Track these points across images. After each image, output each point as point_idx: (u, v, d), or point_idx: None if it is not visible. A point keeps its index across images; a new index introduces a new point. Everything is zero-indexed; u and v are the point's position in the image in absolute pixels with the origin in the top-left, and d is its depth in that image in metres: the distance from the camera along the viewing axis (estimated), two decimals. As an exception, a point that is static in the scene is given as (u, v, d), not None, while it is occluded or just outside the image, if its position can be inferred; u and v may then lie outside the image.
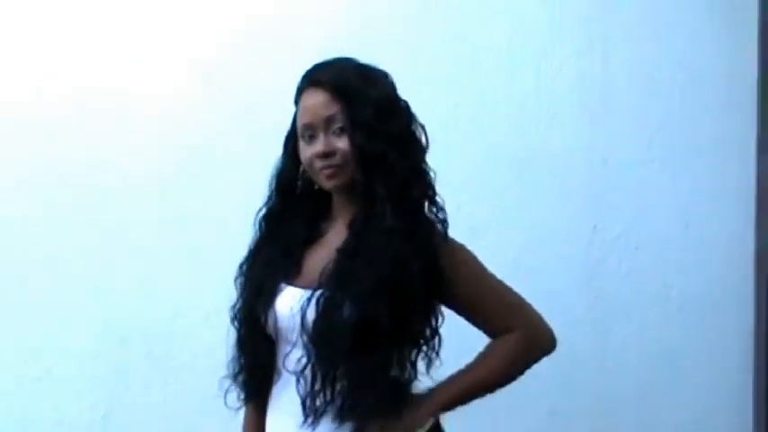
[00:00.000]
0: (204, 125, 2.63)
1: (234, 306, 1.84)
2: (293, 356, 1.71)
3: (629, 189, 2.98)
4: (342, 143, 1.69)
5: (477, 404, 2.70)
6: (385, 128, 1.68)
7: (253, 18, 2.67)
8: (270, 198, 1.84)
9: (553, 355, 2.86)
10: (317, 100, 1.70)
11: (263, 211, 1.84)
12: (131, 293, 2.60)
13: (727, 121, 3.09)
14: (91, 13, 2.59)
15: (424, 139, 1.78)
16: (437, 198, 1.76)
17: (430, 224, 1.73)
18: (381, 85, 1.73)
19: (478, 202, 2.81)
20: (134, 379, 2.62)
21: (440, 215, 1.75)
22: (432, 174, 1.76)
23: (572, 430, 2.95)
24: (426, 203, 1.74)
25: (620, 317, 2.98)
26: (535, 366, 2.87)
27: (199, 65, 2.63)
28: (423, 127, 1.78)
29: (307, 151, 1.73)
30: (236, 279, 1.86)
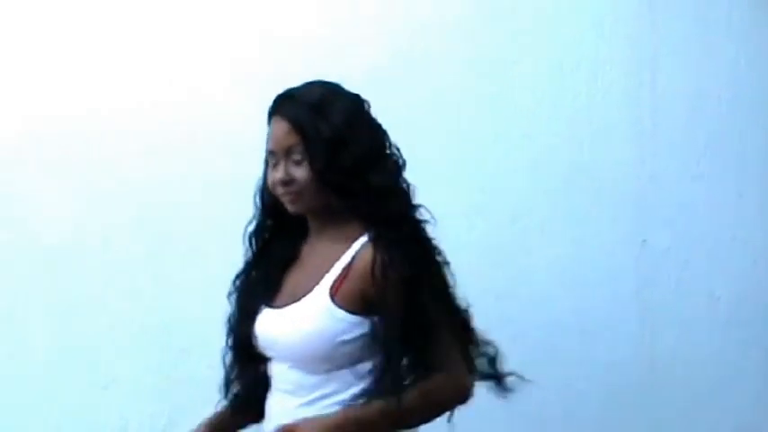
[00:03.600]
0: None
1: (228, 320, 1.91)
2: (276, 371, 1.81)
3: (678, 203, 3.00)
4: (299, 173, 1.72)
5: (525, 414, 2.76)
6: (341, 158, 1.70)
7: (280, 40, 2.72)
8: (255, 214, 1.88)
9: (603, 368, 2.91)
10: (280, 129, 1.75)
11: (252, 226, 1.89)
12: (193, 305, 2.64)
13: (773, 137, 3.11)
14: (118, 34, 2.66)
15: (396, 159, 1.79)
16: (419, 212, 1.81)
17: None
18: (338, 115, 1.73)
19: (529, 218, 2.85)
20: (195, 389, 2.66)
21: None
22: (409, 189, 1.79)
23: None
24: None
25: (669, 330, 2.99)
26: (585, 379, 2.91)
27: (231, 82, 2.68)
28: (395, 146, 1.81)
29: (270, 176, 1.78)
30: (229, 294, 1.92)
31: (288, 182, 1.73)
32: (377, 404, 1.68)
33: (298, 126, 1.72)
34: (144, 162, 2.66)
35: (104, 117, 2.64)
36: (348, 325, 1.70)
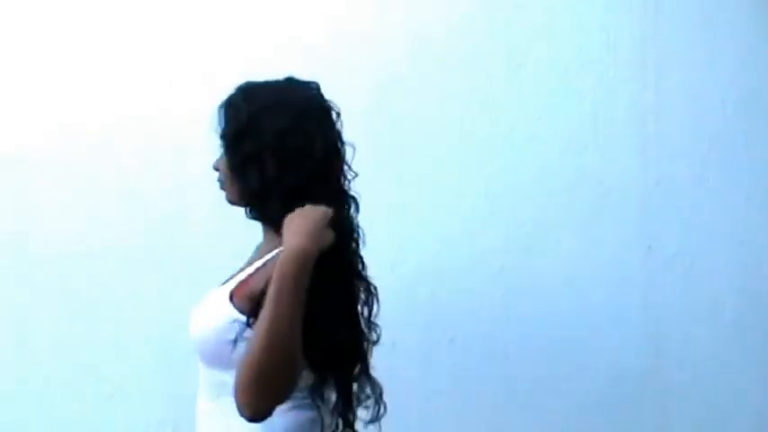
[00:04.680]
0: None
1: None
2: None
3: (684, 208, 2.99)
4: (222, 163, 1.80)
5: (530, 417, 2.76)
6: (242, 146, 1.73)
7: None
8: None
9: (610, 375, 2.91)
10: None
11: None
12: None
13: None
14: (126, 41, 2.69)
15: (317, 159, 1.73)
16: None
17: None
18: (254, 105, 1.74)
19: (535, 223, 2.85)
20: (200, 396, 2.68)
21: None
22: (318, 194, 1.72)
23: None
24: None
25: (675, 335, 2.98)
26: (592, 385, 2.91)
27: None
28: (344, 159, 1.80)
29: None
30: None
31: (216, 169, 1.81)
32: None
33: (220, 116, 1.79)
34: (148, 168, 2.68)
35: (107, 123, 2.66)
36: (241, 325, 1.65)
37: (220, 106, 1.81)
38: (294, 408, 1.70)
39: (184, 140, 2.64)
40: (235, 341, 1.64)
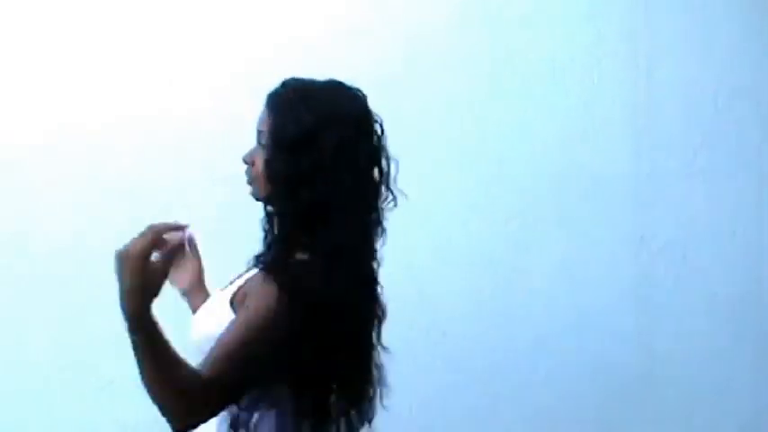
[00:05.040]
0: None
1: None
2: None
3: (675, 200, 3.00)
4: (258, 158, 1.71)
5: (523, 411, 2.76)
6: (290, 159, 1.65)
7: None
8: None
9: (601, 368, 2.92)
10: (262, 111, 1.74)
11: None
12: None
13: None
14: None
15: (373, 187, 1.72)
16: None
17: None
18: (311, 116, 1.67)
19: (525, 216, 2.85)
20: (193, 389, 2.68)
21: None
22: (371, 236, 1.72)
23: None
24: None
25: (667, 326, 2.99)
26: (583, 376, 2.91)
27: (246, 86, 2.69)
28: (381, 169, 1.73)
29: None
30: None
31: (247, 162, 1.74)
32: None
33: (271, 113, 1.71)
34: (148, 168, 2.67)
35: (107, 123, 2.66)
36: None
37: (273, 104, 1.72)
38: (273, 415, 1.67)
39: (184, 140, 2.65)
40: None
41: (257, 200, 1.77)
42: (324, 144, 1.65)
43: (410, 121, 2.71)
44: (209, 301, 1.83)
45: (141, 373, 1.49)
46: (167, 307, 2.58)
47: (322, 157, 1.65)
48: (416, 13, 2.81)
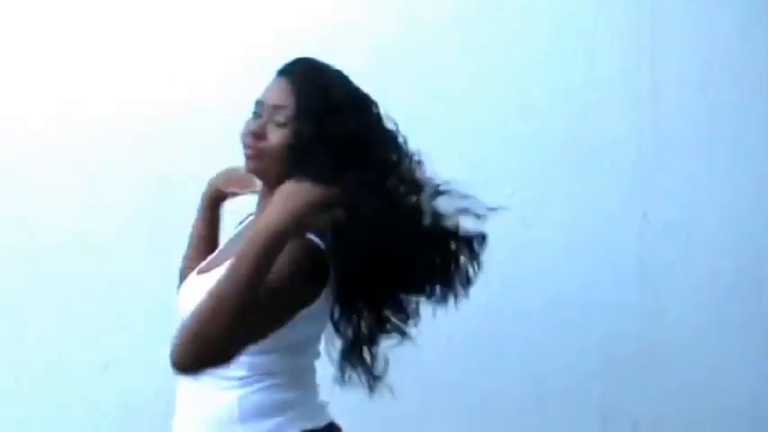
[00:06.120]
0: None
1: None
2: None
3: (679, 176, 2.98)
4: (275, 135, 1.65)
5: (527, 387, 2.76)
6: (328, 130, 1.62)
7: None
8: None
9: (607, 343, 2.92)
10: (279, 85, 1.67)
11: None
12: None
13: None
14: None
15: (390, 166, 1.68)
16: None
17: None
18: (345, 99, 1.66)
19: (529, 191, 2.85)
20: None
21: None
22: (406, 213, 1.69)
23: (625, 416, 2.97)
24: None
25: (671, 303, 2.99)
26: (587, 353, 2.91)
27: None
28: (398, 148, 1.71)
29: (244, 126, 1.70)
30: None
31: (259, 135, 1.66)
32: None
33: (300, 91, 1.65)
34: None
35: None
36: None
37: (296, 75, 1.67)
38: (270, 387, 1.68)
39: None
40: None
41: (259, 177, 1.73)
42: (368, 106, 1.69)
43: (412, 97, 2.70)
44: (190, 276, 1.81)
45: (223, 292, 1.48)
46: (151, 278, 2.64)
47: (370, 119, 1.67)
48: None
